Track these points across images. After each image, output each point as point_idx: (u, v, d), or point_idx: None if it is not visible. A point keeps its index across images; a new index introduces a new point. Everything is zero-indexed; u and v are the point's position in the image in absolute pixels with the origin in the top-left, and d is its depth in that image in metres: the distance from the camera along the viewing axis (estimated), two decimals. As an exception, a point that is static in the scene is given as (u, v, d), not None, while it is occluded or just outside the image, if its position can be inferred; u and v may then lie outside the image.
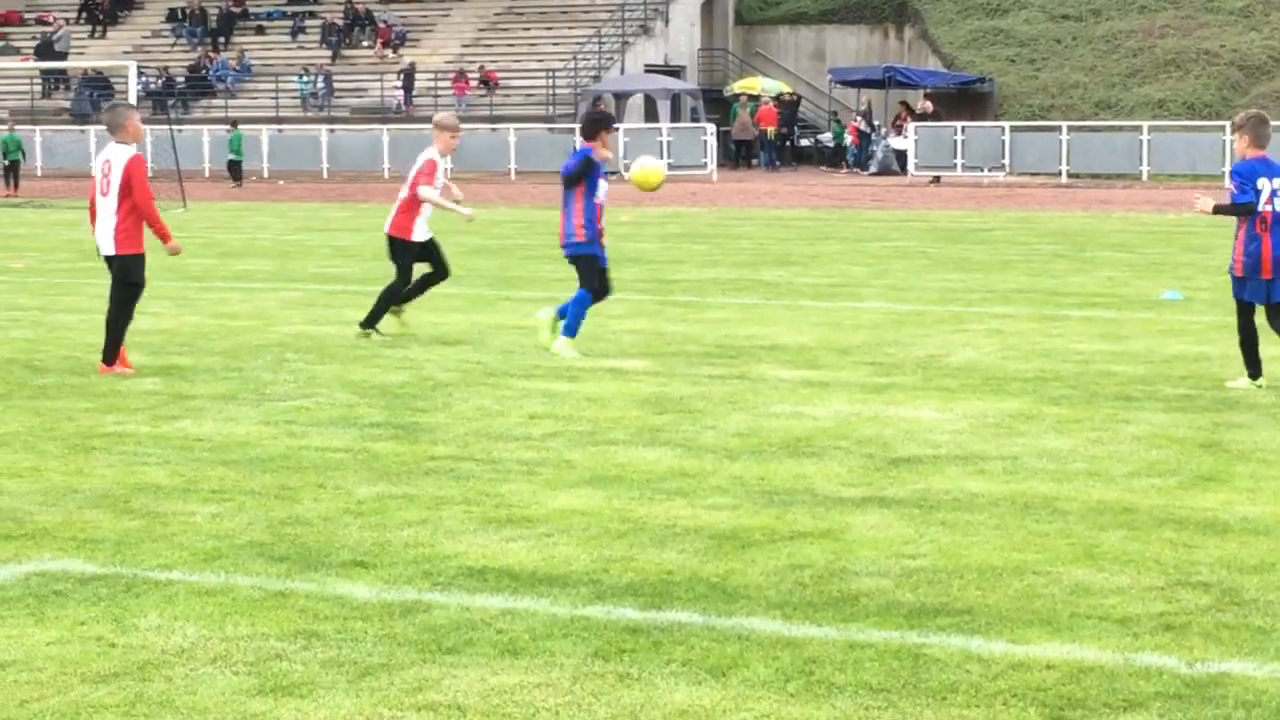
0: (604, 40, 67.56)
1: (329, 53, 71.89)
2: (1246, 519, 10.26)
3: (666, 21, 70.16)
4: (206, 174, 60.64)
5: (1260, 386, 15.04)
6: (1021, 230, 35.45)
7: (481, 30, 71.48)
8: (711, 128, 61.27)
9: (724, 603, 8.55)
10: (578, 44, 67.53)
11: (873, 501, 10.74)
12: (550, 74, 65.48)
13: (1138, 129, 55.45)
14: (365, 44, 72.35)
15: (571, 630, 8.10)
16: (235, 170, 57.81)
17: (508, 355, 17.26)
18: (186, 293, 23.66)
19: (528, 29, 71.06)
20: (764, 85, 67.62)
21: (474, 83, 66.64)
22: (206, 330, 19.43)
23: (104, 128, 16.98)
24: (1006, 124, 57.52)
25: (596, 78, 66.67)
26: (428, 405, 14.33)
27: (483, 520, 10.30)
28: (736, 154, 66.67)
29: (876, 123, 64.43)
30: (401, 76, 67.80)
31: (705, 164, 59.35)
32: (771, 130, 65.99)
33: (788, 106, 67.34)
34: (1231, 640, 7.94)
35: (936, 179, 56.63)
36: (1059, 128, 56.32)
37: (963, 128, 56.89)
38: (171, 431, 13.22)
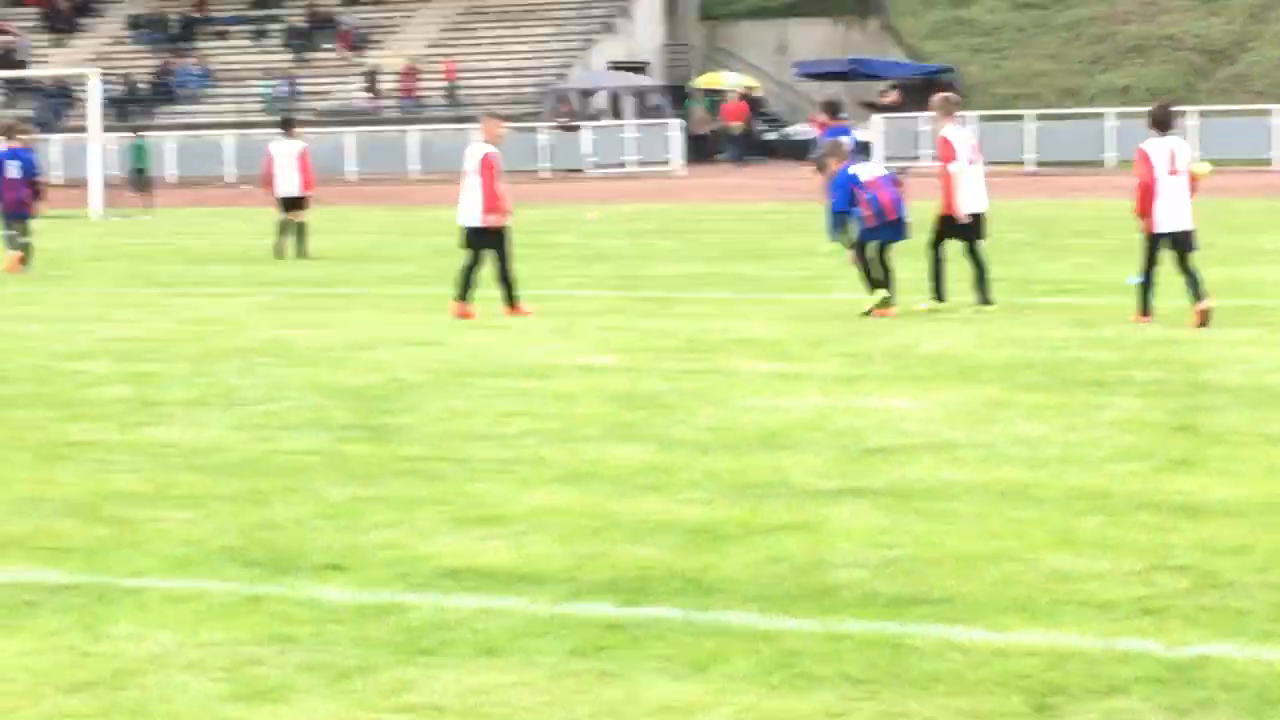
0: (567, 37, 67.47)
1: (292, 56, 71.68)
2: (1222, 501, 10.23)
3: (630, 18, 70.12)
4: (174, 180, 60.44)
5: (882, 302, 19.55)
6: (990, 219, 35.41)
7: (444, 30, 71.36)
8: (677, 123, 61.22)
9: (701, 597, 8.49)
10: (541, 41, 67.44)
11: (848, 493, 10.69)
12: (515, 72, 65.36)
13: (1102, 116, 55.50)
14: (328, 47, 72.14)
15: (549, 628, 8.04)
16: (140, 181, 47.29)
17: (477, 354, 17.19)
18: (155, 299, 23.55)
19: (491, 28, 70.96)
20: (728, 80, 67.57)
21: (434, 82, 66.54)
22: (175, 336, 19.32)
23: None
24: (973, 113, 57.52)
25: (561, 75, 66.60)
26: (398, 406, 14.25)
27: (456, 520, 10.23)
28: (696, 149, 66.63)
29: (843, 114, 64.33)
30: (366, 79, 67.61)
31: (669, 159, 59.29)
32: (737, 125, 65.91)
33: (753, 100, 67.27)
34: (1210, 623, 7.91)
35: (903, 169, 56.57)
36: (1024, 116, 56.34)
37: (929, 117, 56.87)
38: (140, 438, 13.11)
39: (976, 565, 8.95)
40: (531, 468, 11.68)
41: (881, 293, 19.63)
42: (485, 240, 20.53)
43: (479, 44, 69.98)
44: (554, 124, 61.10)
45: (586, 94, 65.92)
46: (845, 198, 20.08)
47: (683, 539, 9.64)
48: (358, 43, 71.03)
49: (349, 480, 11.42)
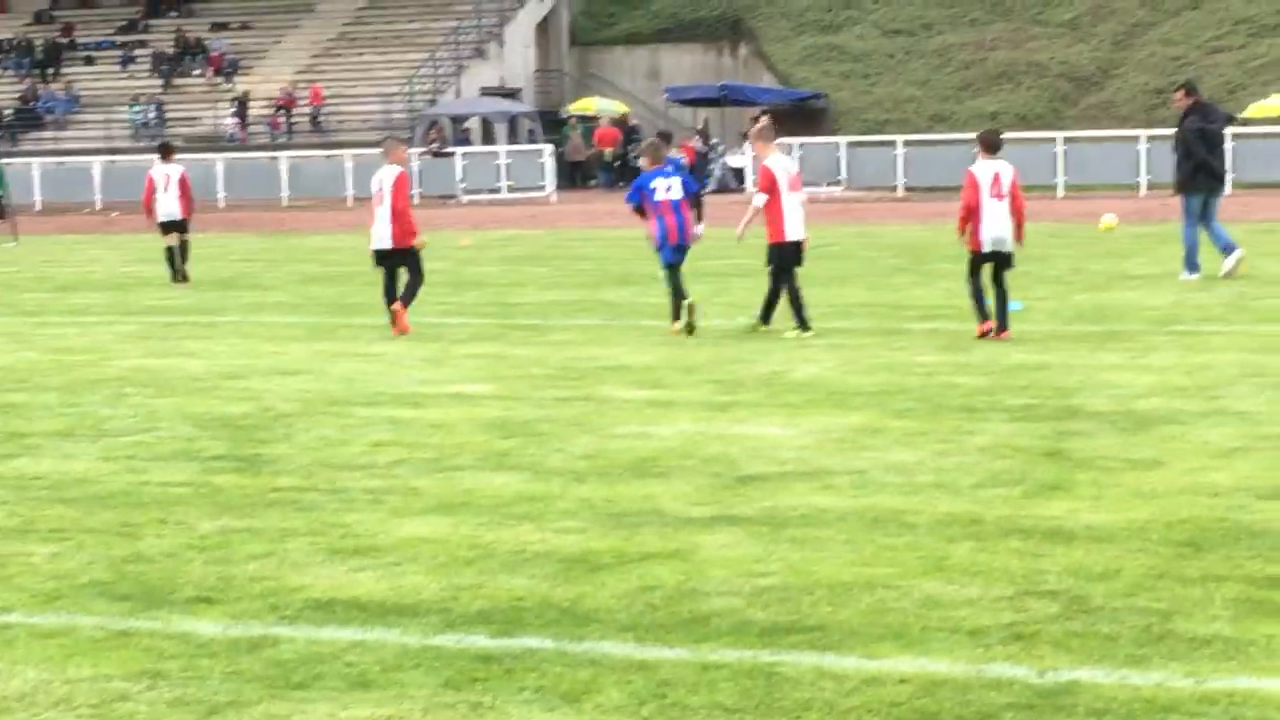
0: (439, 64, 67.37)
1: (160, 82, 71.16)
2: (1091, 527, 10.33)
3: (501, 44, 70.10)
4: (38, 207, 59.80)
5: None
6: (861, 244, 35.68)
7: (315, 57, 71.05)
8: (549, 149, 61.23)
9: (575, 627, 8.49)
10: (412, 68, 67.30)
11: (721, 520, 10.72)
12: (386, 98, 65.17)
13: (971, 142, 55.94)
14: (197, 73, 71.67)
15: (422, 660, 8.01)
16: None
17: (349, 383, 17.11)
18: (21, 328, 23.28)
19: (361, 54, 70.74)
20: (600, 106, 67.69)
21: (303, 107, 66.30)
22: (42, 366, 19.10)
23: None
24: (842, 139, 57.86)
25: (433, 101, 66.47)
26: (269, 436, 14.16)
27: (329, 551, 10.18)
28: (571, 175, 66.45)
29: (714, 140, 64.66)
30: (235, 105, 67.23)
31: (544, 185, 59.28)
32: (610, 151, 66.00)
33: (626, 127, 67.42)
34: (1080, 648, 7.98)
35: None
36: (894, 142, 56.73)
37: (800, 144, 57.16)
38: (7, 470, 12.96)
39: (849, 593, 9.00)
40: (404, 498, 11.64)
41: (679, 324, 20.41)
42: (398, 260, 21.23)
43: (350, 70, 69.75)
44: (425, 150, 60.92)
45: (458, 120, 65.82)
46: (635, 196, 20.82)
47: (556, 569, 9.63)
48: (227, 69, 70.62)
49: (220, 512, 11.33)
